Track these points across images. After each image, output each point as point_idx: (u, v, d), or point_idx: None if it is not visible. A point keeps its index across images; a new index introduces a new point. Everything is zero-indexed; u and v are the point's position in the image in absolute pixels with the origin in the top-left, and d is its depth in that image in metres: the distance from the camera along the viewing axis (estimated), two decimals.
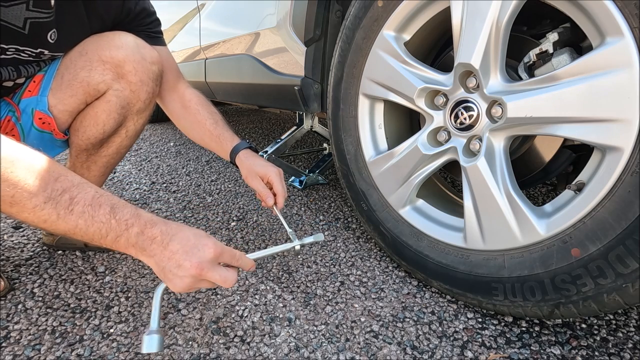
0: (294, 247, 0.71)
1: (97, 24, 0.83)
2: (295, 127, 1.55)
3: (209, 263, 0.54)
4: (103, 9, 0.82)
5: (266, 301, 0.79)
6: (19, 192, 0.48)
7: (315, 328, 0.72)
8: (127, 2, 0.86)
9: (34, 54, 0.75)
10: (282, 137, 1.52)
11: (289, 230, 0.78)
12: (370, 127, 0.91)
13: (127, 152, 1.07)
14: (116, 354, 0.66)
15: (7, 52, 0.70)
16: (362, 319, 0.74)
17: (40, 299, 0.81)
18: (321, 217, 1.20)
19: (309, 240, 0.73)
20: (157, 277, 0.88)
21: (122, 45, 0.82)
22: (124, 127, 0.88)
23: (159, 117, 2.71)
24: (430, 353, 0.65)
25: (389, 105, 0.89)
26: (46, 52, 0.76)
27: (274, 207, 0.83)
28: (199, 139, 0.95)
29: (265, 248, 0.84)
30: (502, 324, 0.72)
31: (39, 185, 0.49)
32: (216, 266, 0.55)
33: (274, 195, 0.83)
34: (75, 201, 0.51)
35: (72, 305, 0.78)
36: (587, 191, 0.58)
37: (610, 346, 0.66)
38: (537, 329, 0.70)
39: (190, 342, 0.68)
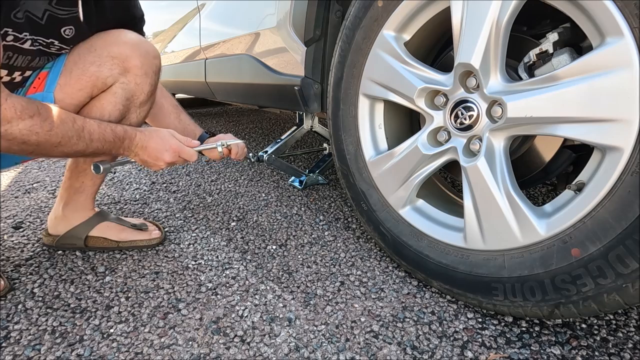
0: (216, 146, 0.93)
1: (103, 23, 0.87)
2: (295, 127, 1.55)
3: (172, 156, 0.86)
4: (109, 10, 0.87)
5: (266, 301, 0.79)
6: (64, 140, 0.73)
7: (315, 328, 0.72)
8: (132, 8, 0.93)
9: (44, 44, 0.78)
10: (282, 137, 1.52)
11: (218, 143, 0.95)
12: (370, 127, 0.91)
13: None
14: (116, 354, 0.66)
15: (22, 40, 0.75)
16: (362, 319, 0.74)
17: (40, 299, 0.81)
18: (321, 217, 1.20)
19: (232, 142, 0.97)
20: (157, 278, 0.88)
21: (128, 41, 0.87)
22: (127, 119, 0.91)
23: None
24: (430, 353, 0.65)
25: (389, 105, 0.89)
26: (56, 42, 0.80)
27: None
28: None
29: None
30: (502, 324, 0.72)
31: (73, 130, 0.74)
32: (177, 158, 0.87)
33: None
34: (91, 133, 0.77)
35: (72, 305, 0.79)
36: (587, 191, 0.58)
37: (610, 346, 0.66)
38: (537, 329, 0.70)
39: (190, 342, 0.68)
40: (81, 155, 0.83)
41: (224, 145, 0.95)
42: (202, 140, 1.03)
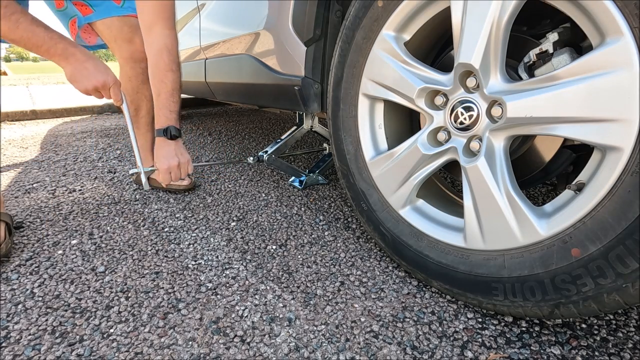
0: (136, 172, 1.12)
1: None
2: (295, 127, 1.55)
3: (103, 86, 1.00)
4: None
5: (266, 301, 0.79)
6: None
7: (315, 328, 0.72)
8: None
9: None
10: (282, 137, 1.52)
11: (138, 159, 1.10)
12: (370, 127, 0.91)
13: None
14: (116, 354, 0.66)
15: None
16: (362, 319, 0.74)
17: (40, 299, 0.81)
18: (321, 217, 1.20)
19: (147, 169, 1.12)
20: (157, 278, 0.88)
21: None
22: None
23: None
24: (430, 353, 0.65)
25: (389, 105, 0.89)
26: None
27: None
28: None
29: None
30: (502, 324, 0.72)
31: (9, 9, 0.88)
32: (106, 91, 1.02)
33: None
34: (20, 21, 0.90)
35: (72, 305, 0.78)
36: (587, 191, 0.58)
37: (610, 346, 0.66)
38: (537, 329, 0.70)
39: (190, 342, 0.68)
40: (8, 38, 0.94)
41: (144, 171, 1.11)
42: (157, 134, 1.14)
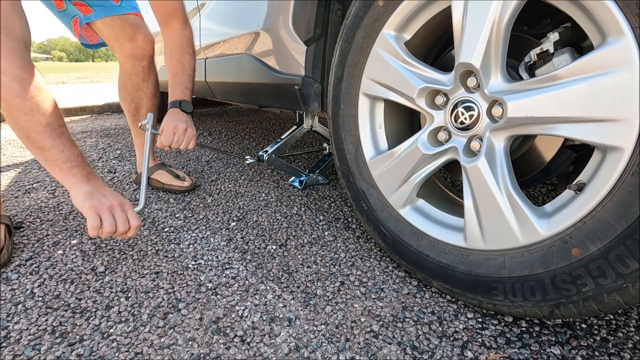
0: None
1: None
2: (295, 127, 1.55)
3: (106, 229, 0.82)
4: None
5: (266, 301, 0.79)
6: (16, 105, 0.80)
7: (315, 328, 0.72)
8: None
9: None
10: (282, 136, 1.52)
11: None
12: (370, 127, 0.91)
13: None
14: (116, 354, 0.66)
15: None
16: (362, 319, 0.74)
17: (40, 299, 0.81)
18: (321, 217, 1.20)
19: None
20: (157, 278, 0.88)
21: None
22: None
23: (159, 118, 2.71)
24: (430, 353, 0.65)
25: (390, 104, 0.89)
26: None
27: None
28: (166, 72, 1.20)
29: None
30: (502, 324, 0.72)
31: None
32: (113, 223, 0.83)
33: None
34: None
35: (72, 305, 0.78)
36: (588, 191, 0.58)
37: (610, 346, 0.66)
38: (537, 329, 0.70)
39: (190, 342, 0.68)
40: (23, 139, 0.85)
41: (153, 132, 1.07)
42: (169, 106, 1.13)
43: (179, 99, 1.11)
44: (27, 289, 0.84)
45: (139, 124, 1.09)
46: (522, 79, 0.68)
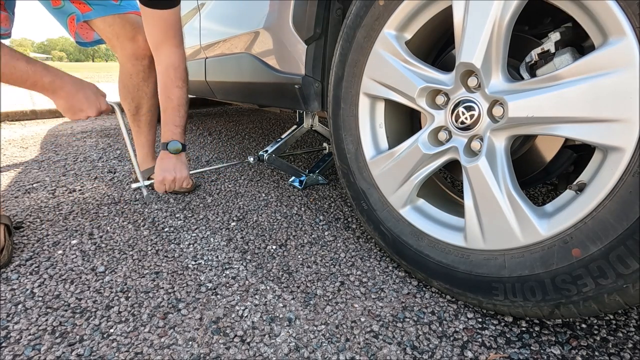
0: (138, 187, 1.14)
1: None
2: (295, 126, 1.55)
3: (98, 114, 1.03)
4: None
5: (266, 301, 0.79)
6: None
7: (315, 328, 0.72)
8: None
9: None
10: (283, 136, 1.52)
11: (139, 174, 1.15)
12: (370, 127, 0.91)
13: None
14: (116, 354, 0.66)
15: None
16: (362, 319, 0.74)
17: (40, 299, 0.80)
18: (321, 217, 1.20)
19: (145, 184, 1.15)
20: (157, 278, 0.88)
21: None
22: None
23: (159, 118, 2.71)
24: (430, 353, 0.65)
25: (390, 104, 0.89)
26: None
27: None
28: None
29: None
30: (502, 324, 0.72)
31: None
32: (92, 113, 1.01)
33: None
34: None
35: (72, 305, 0.78)
36: (588, 191, 0.58)
37: (610, 346, 0.66)
38: (537, 329, 0.70)
39: (190, 342, 0.68)
40: None
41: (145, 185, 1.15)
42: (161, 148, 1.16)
43: (167, 141, 1.12)
44: (27, 289, 0.84)
45: (132, 187, 1.20)
46: (523, 78, 0.68)
